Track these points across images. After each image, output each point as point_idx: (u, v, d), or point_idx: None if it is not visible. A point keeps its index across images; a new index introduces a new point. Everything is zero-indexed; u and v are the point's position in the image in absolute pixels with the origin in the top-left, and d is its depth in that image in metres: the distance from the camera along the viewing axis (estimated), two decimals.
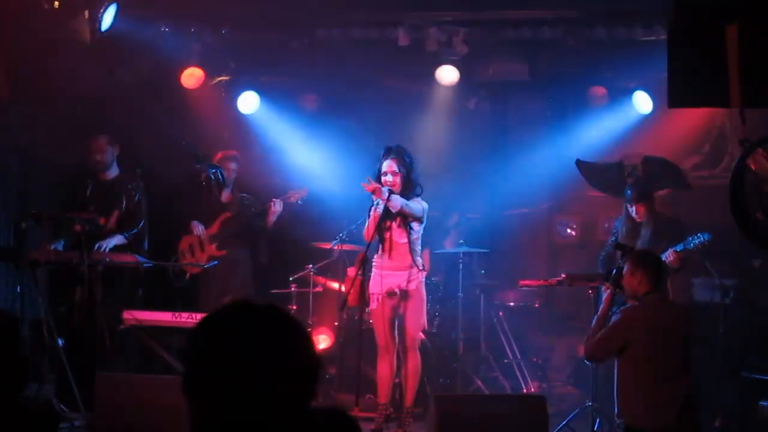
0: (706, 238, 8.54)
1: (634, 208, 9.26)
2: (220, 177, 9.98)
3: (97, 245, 8.94)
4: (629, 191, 9.38)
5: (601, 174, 10.11)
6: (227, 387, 2.33)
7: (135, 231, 9.48)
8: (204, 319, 2.46)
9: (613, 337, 7.18)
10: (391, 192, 8.53)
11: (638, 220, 9.27)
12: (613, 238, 9.65)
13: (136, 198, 9.58)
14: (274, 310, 2.46)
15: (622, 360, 7.23)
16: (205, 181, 10.28)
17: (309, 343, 2.47)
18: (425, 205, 8.83)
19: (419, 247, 8.91)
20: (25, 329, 8.97)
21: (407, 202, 8.64)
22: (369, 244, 8.48)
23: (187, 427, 2.39)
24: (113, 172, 9.65)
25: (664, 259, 8.69)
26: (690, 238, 8.60)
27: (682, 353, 7.15)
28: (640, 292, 7.21)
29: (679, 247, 8.68)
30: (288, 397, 2.37)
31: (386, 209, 8.60)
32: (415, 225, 8.77)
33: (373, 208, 8.68)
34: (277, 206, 10.03)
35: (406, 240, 8.75)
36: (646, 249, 8.42)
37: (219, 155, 10.41)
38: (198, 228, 10.24)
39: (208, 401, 2.36)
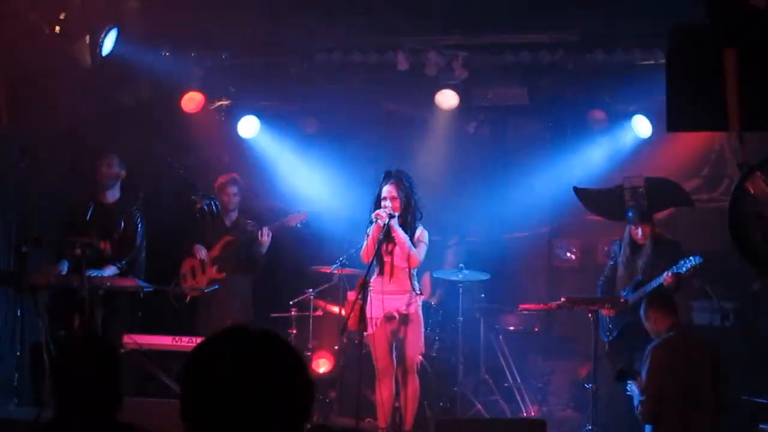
0: (697, 262, 8.58)
1: (640, 229, 9.26)
2: (214, 208, 9.99)
3: (90, 273, 8.88)
4: (631, 213, 9.37)
5: (600, 199, 10.09)
6: (223, 412, 2.37)
7: (128, 259, 9.46)
8: (199, 345, 2.51)
9: (656, 388, 7.30)
10: (390, 216, 8.56)
11: (641, 242, 9.28)
12: (612, 262, 9.66)
13: (136, 221, 9.59)
14: (268, 335, 2.51)
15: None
16: (199, 213, 10.31)
17: (303, 367, 2.51)
18: (426, 239, 8.87)
19: (416, 272, 8.94)
20: (25, 353, 8.99)
21: (412, 246, 8.68)
22: (369, 268, 8.49)
23: None
24: (115, 195, 9.67)
25: (661, 281, 8.74)
26: (682, 262, 8.63)
27: (707, 391, 7.22)
28: (662, 329, 7.41)
29: (672, 270, 8.72)
30: (283, 420, 2.40)
31: (387, 232, 8.61)
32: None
33: (371, 228, 8.70)
34: (265, 237, 10.03)
35: (407, 265, 8.76)
36: (650, 295, 8.47)
37: (219, 180, 10.42)
38: (201, 252, 10.23)
39: (204, 426, 2.38)
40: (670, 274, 8.74)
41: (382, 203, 8.69)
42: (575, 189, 10.21)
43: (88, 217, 9.47)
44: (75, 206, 9.60)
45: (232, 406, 2.36)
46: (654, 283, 8.89)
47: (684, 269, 8.65)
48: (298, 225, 10.23)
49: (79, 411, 4.11)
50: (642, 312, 7.79)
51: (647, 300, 7.86)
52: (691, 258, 8.62)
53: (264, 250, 10.10)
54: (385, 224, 8.56)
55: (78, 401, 4.13)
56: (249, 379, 2.39)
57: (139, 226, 9.63)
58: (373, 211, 8.74)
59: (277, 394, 2.40)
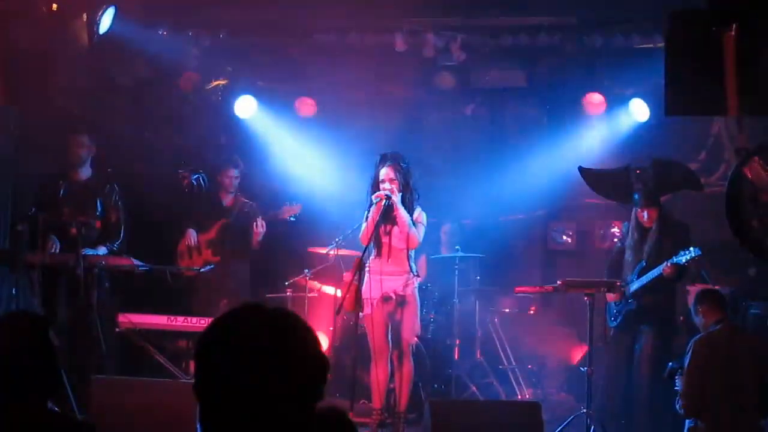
0: (696, 254, 8.53)
1: (646, 212, 9.15)
2: (202, 182, 9.99)
3: (86, 252, 8.87)
4: (638, 195, 9.28)
5: (606, 180, 10.01)
6: (238, 387, 2.37)
7: (119, 240, 9.45)
8: (214, 322, 2.51)
9: (696, 384, 7.25)
10: (388, 198, 8.55)
11: (647, 225, 9.17)
12: (619, 244, 9.61)
13: (115, 201, 9.54)
14: (283, 312, 2.51)
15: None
16: (188, 188, 10.29)
17: (317, 345, 2.50)
18: (424, 221, 8.86)
19: (414, 253, 8.94)
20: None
21: (413, 226, 8.68)
22: (366, 249, 8.49)
23: (199, 426, 2.44)
24: (87, 173, 9.60)
25: (661, 271, 8.72)
26: (682, 253, 8.58)
27: (751, 389, 7.16)
28: (710, 322, 7.37)
29: (671, 262, 8.69)
30: (297, 397, 2.41)
31: (385, 213, 8.60)
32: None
33: (371, 210, 8.68)
34: (259, 228, 10.04)
35: (405, 246, 8.76)
36: (701, 288, 8.47)
37: (220, 162, 10.42)
38: (191, 237, 10.25)
39: (219, 401, 2.40)
40: (669, 264, 8.70)
41: (381, 186, 8.67)
42: (580, 169, 10.11)
43: (61, 195, 9.40)
44: (47, 184, 9.52)
45: (246, 383, 2.36)
46: (655, 273, 8.86)
47: (683, 260, 8.61)
48: (292, 218, 10.27)
49: (9, 395, 3.94)
50: (692, 307, 7.76)
51: (696, 295, 7.81)
52: (690, 249, 8.56)
53: (259, 238, 10.12)
54: (387, 204, 8.56)
55: (7, 384, 3.94)
56: (263, 356, 2.38)
57: (120, 204, 9.58)
58: (371, 194, 8.74)
59: (291, 372, 2.39)
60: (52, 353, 4.07)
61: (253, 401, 2.36)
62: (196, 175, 9.78)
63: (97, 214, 9.43)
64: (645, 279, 8.97)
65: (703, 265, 9.02)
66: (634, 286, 9.08)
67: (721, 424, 7.14)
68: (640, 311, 9.12)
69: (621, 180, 9.69)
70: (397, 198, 8.60)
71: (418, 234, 8.78)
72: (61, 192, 9.39)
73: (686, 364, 7.40)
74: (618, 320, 9.30)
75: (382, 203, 8.57)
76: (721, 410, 7.15)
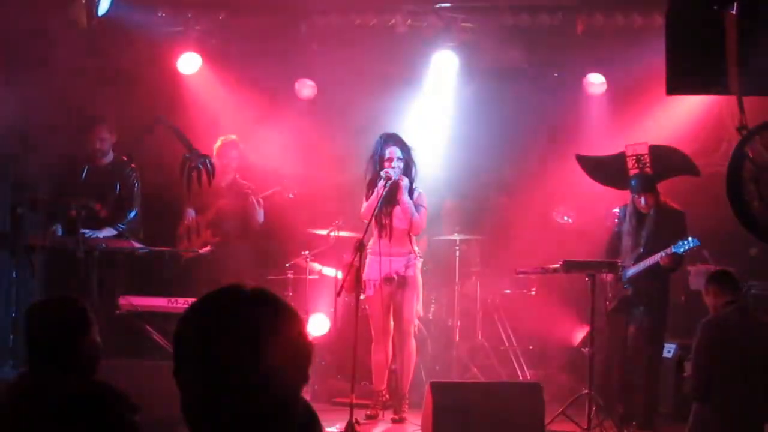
0: (695, 244, 8.53)
1: (642, 198, 9.11)
2: (209, 166, 9.95)
3: (86, 234, 8.86)
4: (635, 181, 9.26)
5: (603, 167, 9.99)
6: (217, 372, 2.29)
7: (127, 221, 9.45)
8: (193, 304, 2.44)
9: (705, 366, 7.20)
10: (388, 178, 8.55)
11: (645, 210, 9.14)
12: (616, 229, 9.58)
13: (132, 183, 9.59)
14: (263, 293, 2.42)
15: None
16: (195, 171, 10.24)
17: (299, 327, 2.41)
18: (426, 203, 8.88)
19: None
20: (21, 314, 8.98)
21: (415, 212, 8.69)
22: (366, 230, 8.46)
23: (180, 411, 2.37)
24: (108, 157, 9.67)
25: (658, 260, 8.71)
26: (681, 243, 8.57)
27: (760, 374, 7.08)
28: (719, 303, 7.29)
29: (669, 251, 8.66)
30: (279, 381, 2.33)
31: (389, 194, 8.59)
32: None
33: (379, 185, 8.65)
34: (257, 207, 10.01)
35: (406, 227, 8.76)
36: (711, 271, 8.41)
37: (219, 142, 10.37)
38: (190, 216, 10.24)
39: (198, 386, 2.32)
40: (666, 254, 8.69)
41: (387, 164, 8.68)
42: (578, 157, 10.12)
43: (82, 178, 9.43)
44: (69, 168, 9.57)
45: (226, 368, 2.27)
46: (652, 261, 8.85)
47: (681, 250, 8.60)
48: (290, 196, 10.25)
49: (51, 370, 4.14)
50: (703, 287, 7.72)
51: (708, 275, 7.77)
52: (689, 240, 8.55)
53: (259, 218, 10.08)
54: (393, 182, 8.56)
55: (48, 361, 4.17)
56: (243, 339, 2.29)
57: (135, 187, 9.62)
58: (371, 172, 8.75)
59: (273, 355, 2.30)
60: (88, 335, 4.28)
61: (232, 385, 2.28)
62: (203, 159, 9.74)
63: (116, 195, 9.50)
64: (642, 266, 8.97)
65: (703, 244, 8.98)
66: (631, 272, 9.07)
67: (730, 406, 7.06)
68: (635, 296, 9.11)
69: (618, 166, 9.69)
70: (404, 184, 8.61)
71: (421, 220, 8.78)
72: (83, 176, 9.43)
73: (694, 346, 7.35)
74: (614, 304, 9.29)
75: (388, 183, 8.57)
76: (730, 392, 7.05)
